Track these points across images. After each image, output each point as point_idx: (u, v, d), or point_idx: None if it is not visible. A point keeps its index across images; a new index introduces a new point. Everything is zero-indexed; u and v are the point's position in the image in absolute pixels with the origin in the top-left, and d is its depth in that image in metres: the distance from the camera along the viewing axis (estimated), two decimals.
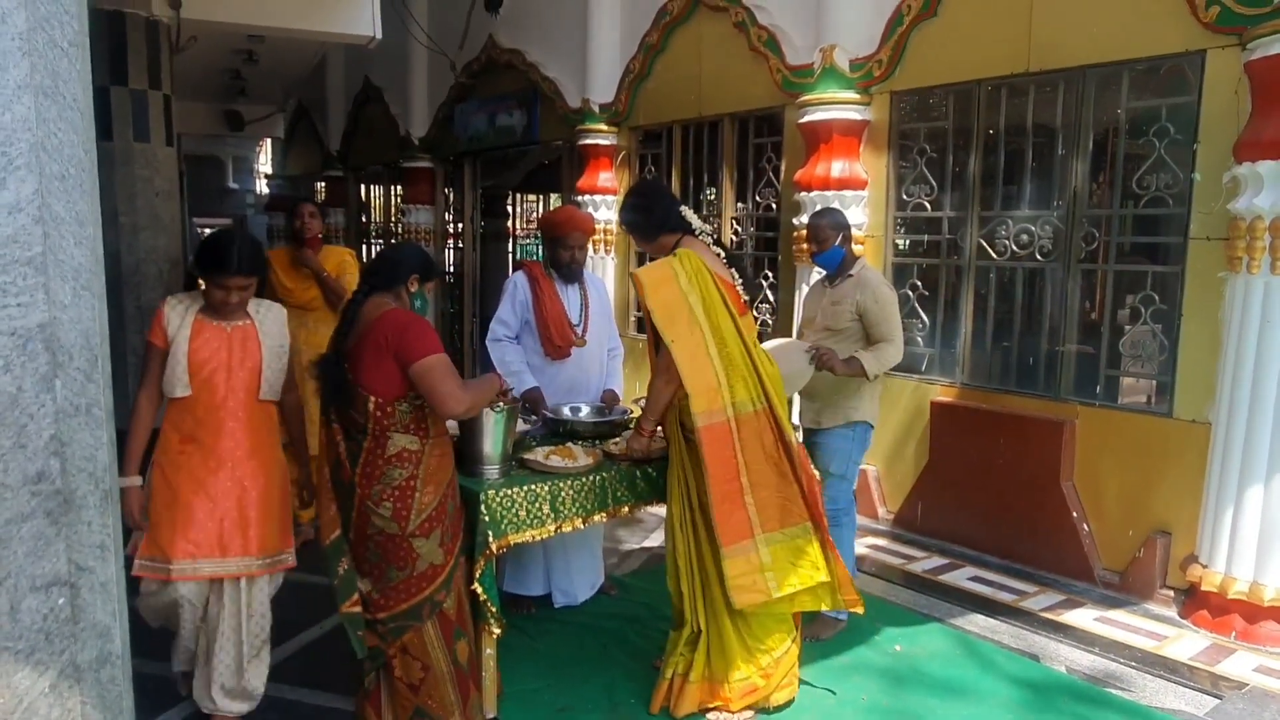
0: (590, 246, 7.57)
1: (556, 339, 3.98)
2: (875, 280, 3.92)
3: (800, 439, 3.71)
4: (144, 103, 5.77)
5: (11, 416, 1.36)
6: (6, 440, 1.36)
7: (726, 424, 2.98)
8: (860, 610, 3.24)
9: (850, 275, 3.95)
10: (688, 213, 3.30)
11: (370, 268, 2.92)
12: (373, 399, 2.65)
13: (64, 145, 1.40)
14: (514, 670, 3.47)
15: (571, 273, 4.08)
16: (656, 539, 5.14)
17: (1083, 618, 4.21)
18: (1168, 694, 3.55)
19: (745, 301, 3.21)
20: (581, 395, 4.05)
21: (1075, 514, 4.66)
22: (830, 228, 3.98)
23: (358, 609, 2.77)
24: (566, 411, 3.81)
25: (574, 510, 3.15)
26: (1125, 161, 4.63)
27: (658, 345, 3.14)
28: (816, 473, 3.33)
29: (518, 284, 4.07)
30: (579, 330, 4.06)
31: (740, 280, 3.25)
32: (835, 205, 5.50)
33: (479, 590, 2.91)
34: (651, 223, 3.30)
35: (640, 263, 7.64)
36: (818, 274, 4.38)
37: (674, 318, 3.01)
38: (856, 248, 5.44)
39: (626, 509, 3.37)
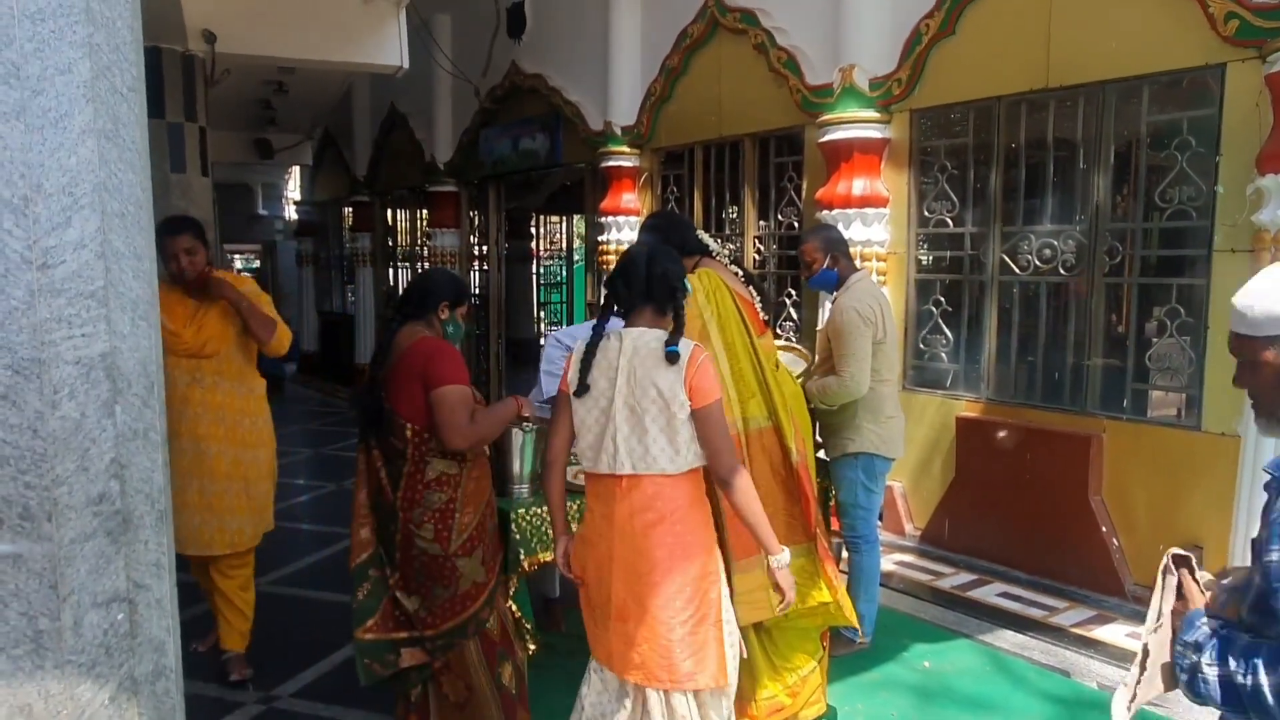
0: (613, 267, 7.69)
1: None
2: (845, 304, 3.75)
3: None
4: (180, 135, 5.92)
5: (75, 441, 1.43)
6: (71, 464, 1.43)
7: (735, 437, 2.99)
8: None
9: (837, 295, 3.91)
10: (704, 236, 3.35)
11: (402, 297, 2.99)
12: (410, 426, 2.72)
13: (123, 185, 1.48)
14: (546, 688, 3.51)
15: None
16: None
17: (1114, 633, 4.19)
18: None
19: (765, 321, 3.25)
20: None
21: (1104, 528, 4.64)
22: (817, 249, 3.90)
23: (370, 636, 2.83)
24: None
25: None
26: (1147, 175, 4.64)
27: None
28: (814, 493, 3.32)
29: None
30: None
31: (759, 299, 3.29)
32: (857, 223, 5.55)
33: (513, 607, 2.97)
34: (670, 245, 3.31)
35: None
36: None
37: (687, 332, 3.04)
38: (872, 265, 5.48)
39: None
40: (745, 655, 2.77)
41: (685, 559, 2.37)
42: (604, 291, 2.53)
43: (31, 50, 1.36)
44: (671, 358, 2.31)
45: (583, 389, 2.37)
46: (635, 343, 2.38)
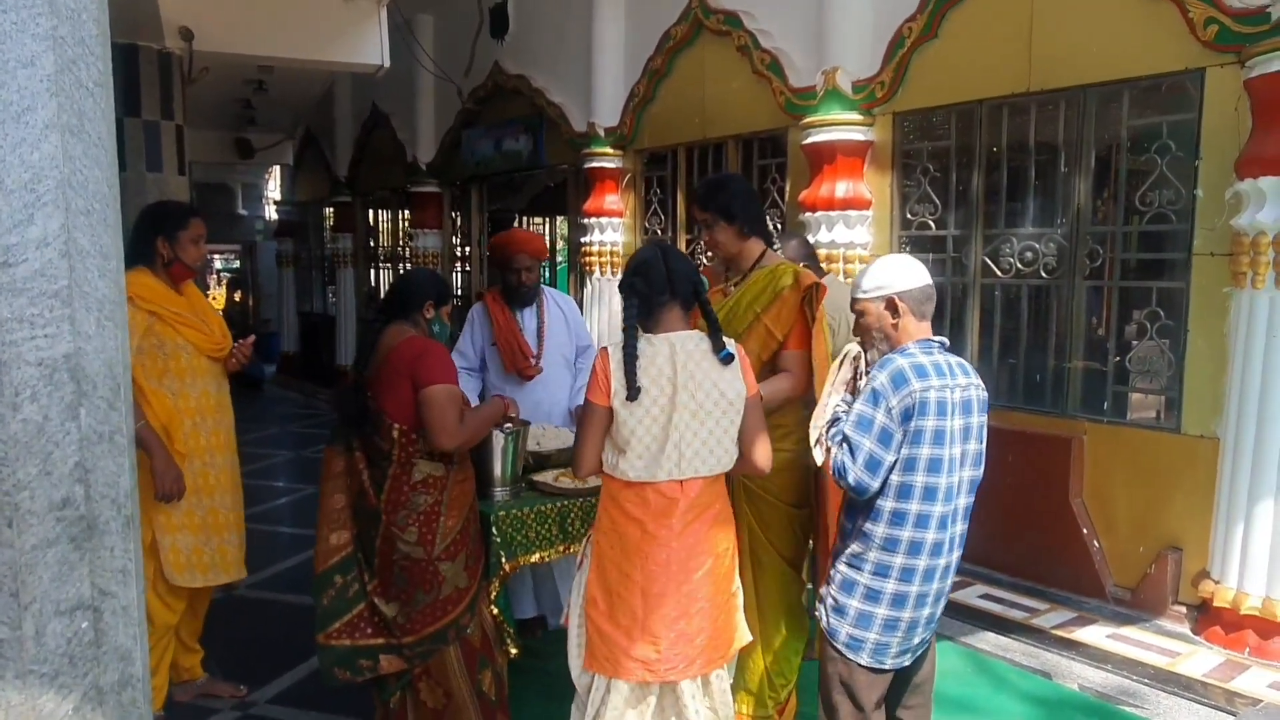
0: (597, 269, 7.68)
1: (507, 366, 3.96)
2: (842, 300, 3.78)
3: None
4: (157, 133, 5.85)
5: (38, 445, 1.40)
6: (33, 468, 1.39)
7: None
8: None
9: None
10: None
11: (386, 296, 2.96)
12: (397, 426, 2.69)
13: (89, 181, 1.44)
14: (526, 692, 3.48)
15: (523, 295, 3.98)
16: None
17: (1095, 635, 4.20)
18: (1181, 711, 3.53)
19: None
20: (550, 415, 3.98)
21: (1085, 530, 4.65)
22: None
23: (336, 642, 2.76)
24: (535, 430, 3.63)
25: (582, 531, 3.17)
26: (1128, 178, 4.66)
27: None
28: None
29: (475, 315, 4.05)
30: (534, 358, 3.98)
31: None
32: (840, 226, 5.56)
33: (495, 611, 2.93)
34: (748, 219, 3.00)
35: None
36: None
37: (827, 340, 2.95)
38: (855, 266, 5.47)
39: None
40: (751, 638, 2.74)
41: (728, 533, 2.51)
42: (624, 295, 2.41)
43: None
44: (727, 360, 2.37)
45: (635, 393, 2.29)
46: (682, 346, 2.36)
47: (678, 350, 2.35)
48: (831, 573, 2.47)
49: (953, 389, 2.31)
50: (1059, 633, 4.24)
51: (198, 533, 3.29)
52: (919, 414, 2.25)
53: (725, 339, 2.38)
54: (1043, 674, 3.84)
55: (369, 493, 2.75)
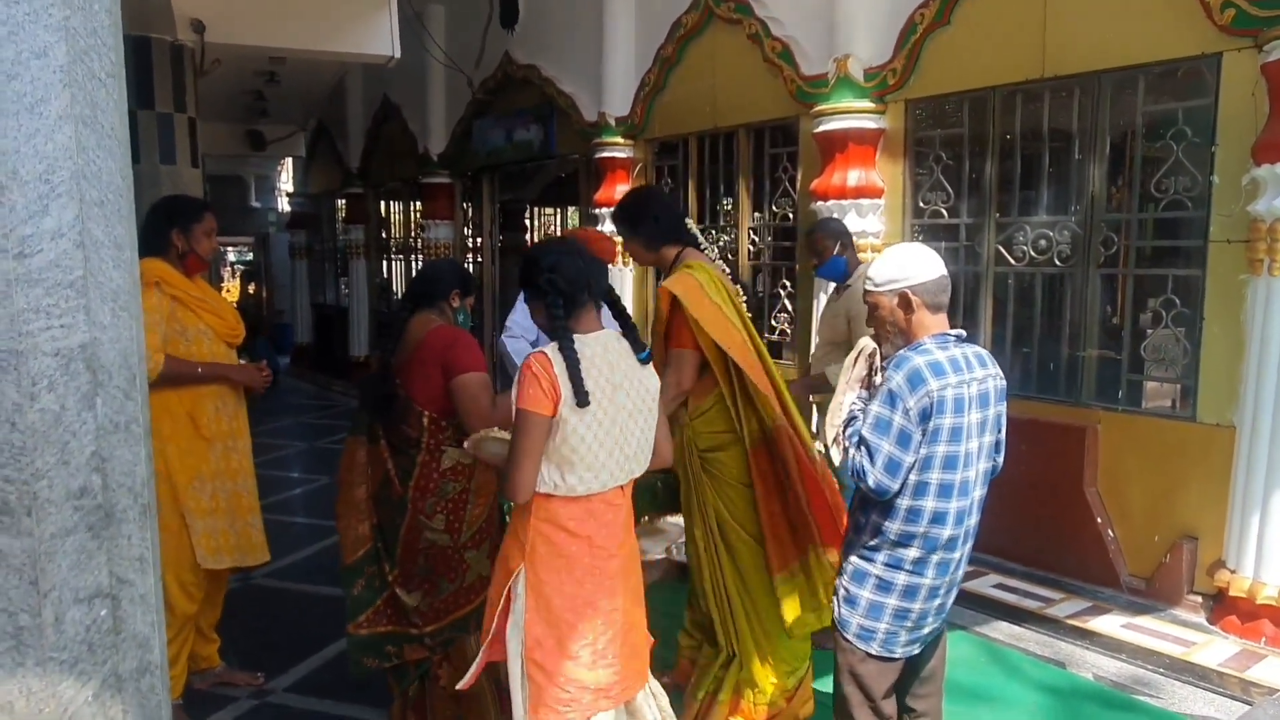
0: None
1: None
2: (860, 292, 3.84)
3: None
4: (170, 125, 5.87)
5: (55, 434, 1.41)
6: (51, 457, 1.40)
7: (784, 428, 2.92)
8: None
9: (849, 285, 3.92)
10: (691, 225, 3.26)
11: (412, 286, 2.97)
12: (427, 414, 2.71)
13: (103, 172, 1.45)
14: None
15: None
16: (677, 549, 5.15)
17: (1109, 624, 4.18)
18: (1197, 700, 3.52)
19: (749, 317, 3.20)
20: None
21: (1100, 520, 4.63)
22: (827, 238, 3.98)
23: (364, 631, 2.82)
24: None
25: None
26: (1143, 165, 4.62)
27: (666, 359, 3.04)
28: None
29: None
30: None
31: (744, 296, 3.25)
32: (852, 214, 5.53)
33: None
34: (657, 231, 3.14)
35: (659, 276, 7.67)
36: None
37: (721, 327, 2.92)
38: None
39: (647, 519, 3.39)
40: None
41: None
42: (542, 295, 2.26)
43: (5, 34, 1.33)
44: (646, 361, 2.33)
45: (586, 398, 2.12)
46: (609, 346, 2.26)
47: (609, 350, 2.25)
48: (844, 564, 2.46)
49: (969, 383, 2.27)
50: (1073, 622, 4.22)
51: (224, 516, 3.35)
52: (936, 413, 2.22)
53: (641, 340, 2.35)
54: (1057, 663, 3.83)
55: (394, 481, 2.76)
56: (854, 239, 4.41)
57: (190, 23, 5.89)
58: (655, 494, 3.35)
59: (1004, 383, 2.40)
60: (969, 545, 2.40)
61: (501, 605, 2.26)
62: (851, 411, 2.41)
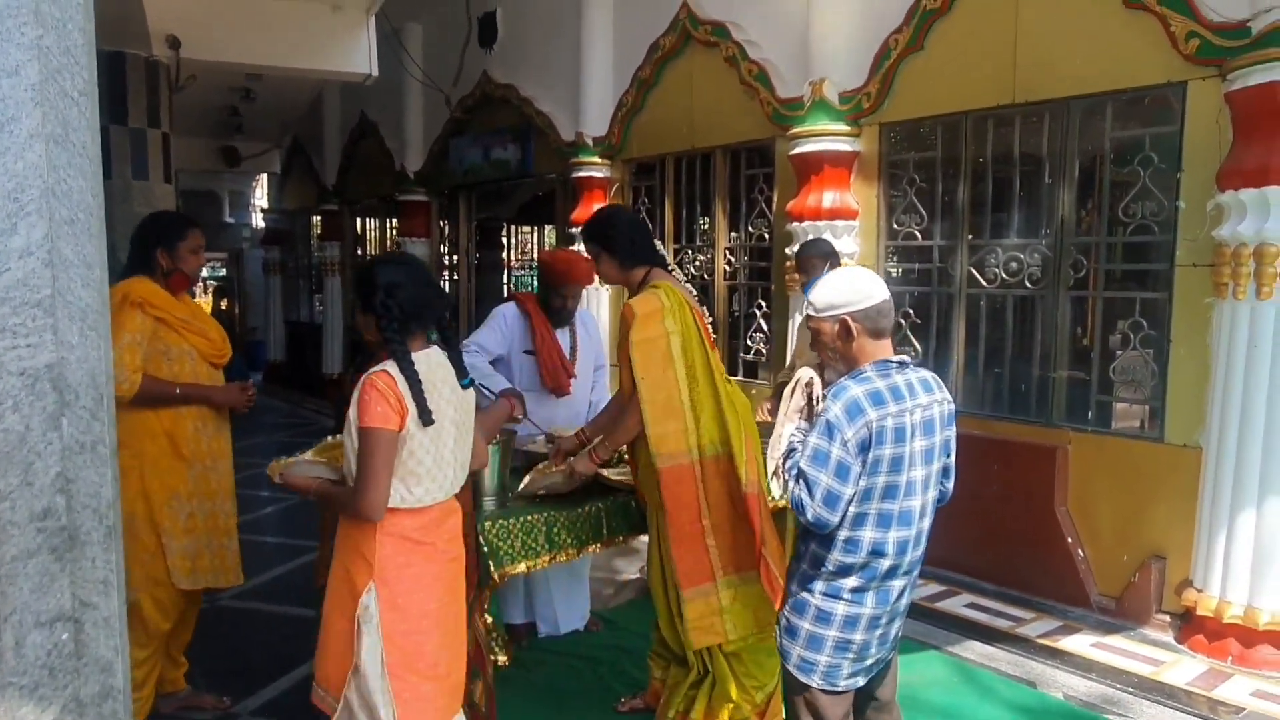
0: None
1: (547, 381, 3.95)
2: None
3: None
4: (143, 141, 5.83)
5: (19, 455, 1.39)
6: (14, 478, 1.38)
7: (690, 466, 2.95)
8: None
9: None
10: (659, 246, 3.32)
11: None
12: None
13: (73, 191, 1.44)
14: (512, 702, 3.47)
15: (565, 317, 4.04)
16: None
17: (1079, 643, 4.22)
18: (1165, 719, 3.55)
19: (714, 339, 3.22)
20: (571, 430, 4.00)
21: (1070, 539, 4.67)
22: (817, 257, 4.05)
23: None
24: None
25: (569, 541, 3.16)
26: (1111, 190, 4.70)
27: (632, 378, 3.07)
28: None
29: (507, 317, 4.01)
30: (574, 377, 4.03)
31: (711, 317, 3.27)
32: (827, 235, 5.58)
33: (489, 620, 2.93)
34: (630, 251, 3.17)
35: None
36: None
37: (650, 357, 2.97)
38: None
39: (621, 539, 3.38)
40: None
41: None
42: (378, 313, 2.31)
43: None
44: (468, 386, 2.44)
45: (429, 416, 2.24)
46: (439, 363, 2.38)
47: (436, 366, 2.35)
48: (787, 593, 2.42)
49: (912, 411, 2.22)
50: (1044, 641, 4.25)
51: (201, 536, 3.32)
52: (876, 443, 2.17)
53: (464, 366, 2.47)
54: (1028, 683, 3.85)
55: None
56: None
57: (166, 39, 5.87)
58: (629, 513, 3.35)
59: (952, 407, 2.37)
60: (914, 575, 2.35)
61: (356, 627, 2.28)
62: (791, 443, 2.34)
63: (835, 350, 2.33)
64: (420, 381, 2.24)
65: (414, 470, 2.27)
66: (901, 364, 2.30)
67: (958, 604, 4.73)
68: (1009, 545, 4.89)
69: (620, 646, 4.04)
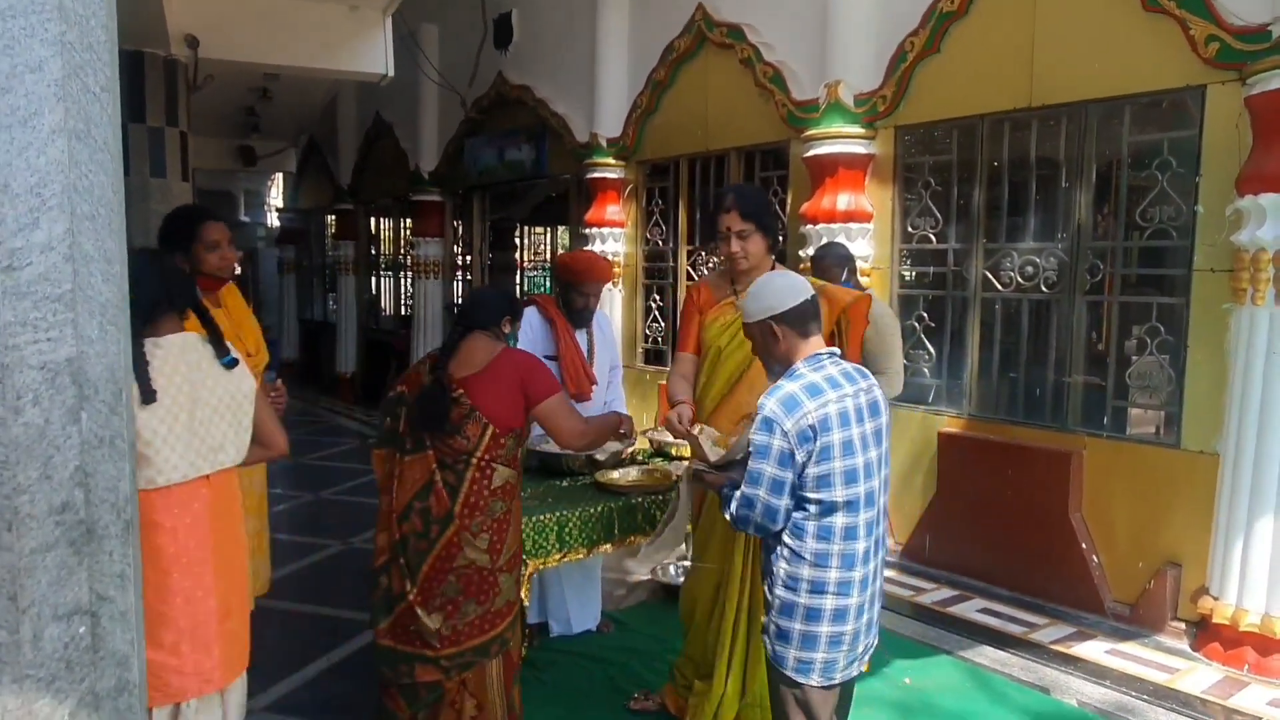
0: None
1: (570, 385, 3.91)
2: (879, 311, 3.88)
3: None
4: (161, 139, 5.87)
5: (39, 448, 1.40)
6: (33, 471, 1.39)
7: None
8: None
9: None
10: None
11: (465, 309, 3.00)
12: (493, 427, 2.72)
13: (94, 186, 1.45)
14: (525, 703, 3.47)
15: (585, 318, 4.04)
16: (662, 570, 5.12)
17: (1094, 650, 4.19)
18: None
19: None
20: None
21: (1084, 545, 4.64)
22: (834, 262, 4.03)
23: (383, 641, 2.80)
24: None
25: (579, 540, 3.18)
26: (1129, 194, 4.67)
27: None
28: None
29: (533, 323, 3.99)
30: (595, 383, 4.04)
31: None
32: (841, 238, 5.56)
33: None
34: (775, 238, 3.16)
35: (648, 296, 7.69)
36: None
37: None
38: (863, 280, 5.50)
39: (632, 539, 3.38)
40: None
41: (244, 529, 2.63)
42: (145, 298, 2.28)
43: (0, 48, 1.33)
44: (230, 365, 2.45)
45: (151, 396, 2.24)
46: (190, 347, 2.39)
47: (189, 351, 2.38)
48: (769, 598, 2.40)
49: (852, 396, 2.30)
50: (1058, 648, 4.22)
51: None
52: (822, 431, 2.23)
53: (227, 344, 2.48)
54: (1041, 689, 3.83)
55: (443, 495, 2.73)
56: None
57: (184, 38, 5.90)
58: (637, 516, 3.35)
59: (881, 393, 2.44)
60: (883, 553, 2.42)
61: None
62: (726, 457, 2.47)
63: (770, 354, 2.44)
64: (146, 364, 2.26)
65: (142, 451, 2.25)
66: (832, 354, 2.41)
67: (971, 609, 4.70)
68: (1023, 550, 4.86)
69: (631, 648, 4.03)
